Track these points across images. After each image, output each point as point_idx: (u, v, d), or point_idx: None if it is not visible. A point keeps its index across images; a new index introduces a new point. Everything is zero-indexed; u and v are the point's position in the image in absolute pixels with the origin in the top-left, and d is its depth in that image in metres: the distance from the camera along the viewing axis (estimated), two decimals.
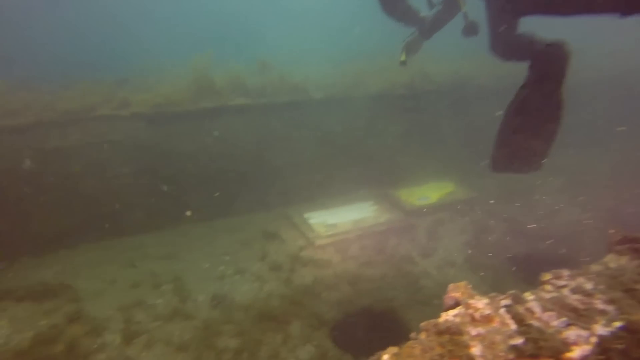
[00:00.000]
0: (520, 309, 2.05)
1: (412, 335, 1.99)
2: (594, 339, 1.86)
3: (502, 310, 2.05)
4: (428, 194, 9.15)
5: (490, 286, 6.20)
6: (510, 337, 1.90)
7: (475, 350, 1.84)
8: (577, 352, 1.81)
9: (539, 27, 4.13)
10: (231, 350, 4.92)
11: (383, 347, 1.94)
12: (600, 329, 1.91)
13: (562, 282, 2.25)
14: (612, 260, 2.44)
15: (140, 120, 7.32)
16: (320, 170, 9.17)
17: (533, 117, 4.08)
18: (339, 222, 8.03)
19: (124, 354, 4.94)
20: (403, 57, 5.51)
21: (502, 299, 2.14)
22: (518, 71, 4.34)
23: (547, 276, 2.33)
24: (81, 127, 6.91)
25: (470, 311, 2.04)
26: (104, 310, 5.68)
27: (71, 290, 6.09)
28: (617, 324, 1.92)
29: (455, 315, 2.05)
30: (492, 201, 8.76)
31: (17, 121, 6.52)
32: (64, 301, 5.87)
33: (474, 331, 1.94)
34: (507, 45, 4.27)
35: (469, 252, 7.20)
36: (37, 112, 6.71)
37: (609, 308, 2.03)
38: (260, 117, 8.37)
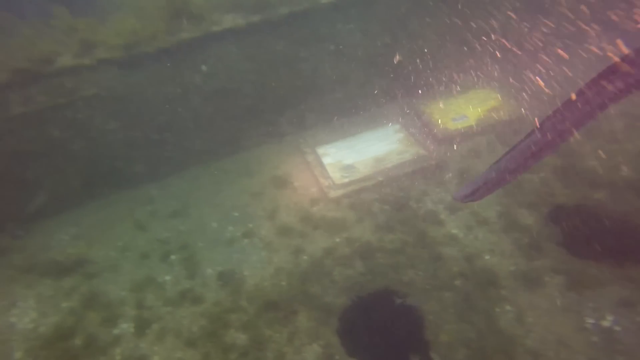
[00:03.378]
0: None
1: None
2: None
3: None
4: (466, 110, 7.64)
5: (524, 256, 5.41)
6: None
7: None
8: None
9: None
10: (238, 348, 4.89)
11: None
12: None
13: None
14: None
15: (110, 67, 6.09)
16: (337, 89, 7.74)
17: None
18: (357, 162, 7.08)
19: (137, 347, 5.09)
20: None
21: None
22: None
23: None
24: (44, 85, 5.89)
25: None
26: (117, 292, 5.73)
27: (87, 265, 6.14)
28: None
29: None
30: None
31: None
32: (81, 278, 5.97)
33: None
34: None
35: (505, 202, 6.18)
36: None
37: None
38: (256, 39, 6.73)
